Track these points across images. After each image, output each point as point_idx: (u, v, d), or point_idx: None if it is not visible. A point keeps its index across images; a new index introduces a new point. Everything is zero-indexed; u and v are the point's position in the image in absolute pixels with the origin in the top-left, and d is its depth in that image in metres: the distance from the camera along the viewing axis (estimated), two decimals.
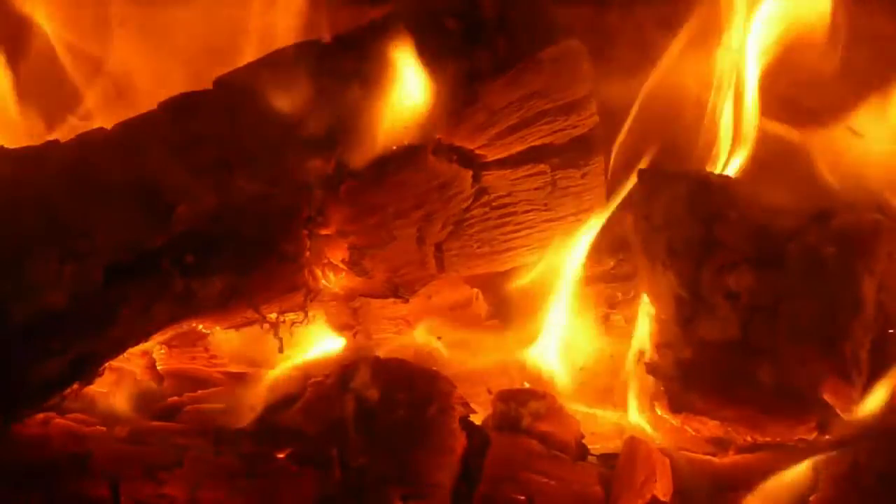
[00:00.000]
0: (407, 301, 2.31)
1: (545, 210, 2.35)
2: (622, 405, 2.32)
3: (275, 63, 2.30)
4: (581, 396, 2.34)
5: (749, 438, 2.19)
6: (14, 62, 2.56)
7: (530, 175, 2.33)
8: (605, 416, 2.33)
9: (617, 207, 2.36)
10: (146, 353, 2.33)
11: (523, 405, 2.22)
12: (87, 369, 2.07)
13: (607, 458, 2.25)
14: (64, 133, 2.46)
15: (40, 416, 2.14)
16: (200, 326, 2.24)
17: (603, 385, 2.35)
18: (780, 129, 2.47)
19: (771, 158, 2.45)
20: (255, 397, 2.26)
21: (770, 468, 2.15)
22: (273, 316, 2.24)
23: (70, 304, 2.01)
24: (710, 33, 2.51)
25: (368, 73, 2.24)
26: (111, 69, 2.59)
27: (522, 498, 2.08)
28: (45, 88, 2.57)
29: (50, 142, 2.18)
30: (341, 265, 2.26)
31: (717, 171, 2.42)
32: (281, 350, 2.26)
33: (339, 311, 2.33)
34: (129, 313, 2.06)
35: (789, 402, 2.15)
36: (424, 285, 2.32)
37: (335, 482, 2.09)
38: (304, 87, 2.21)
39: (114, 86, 2.59)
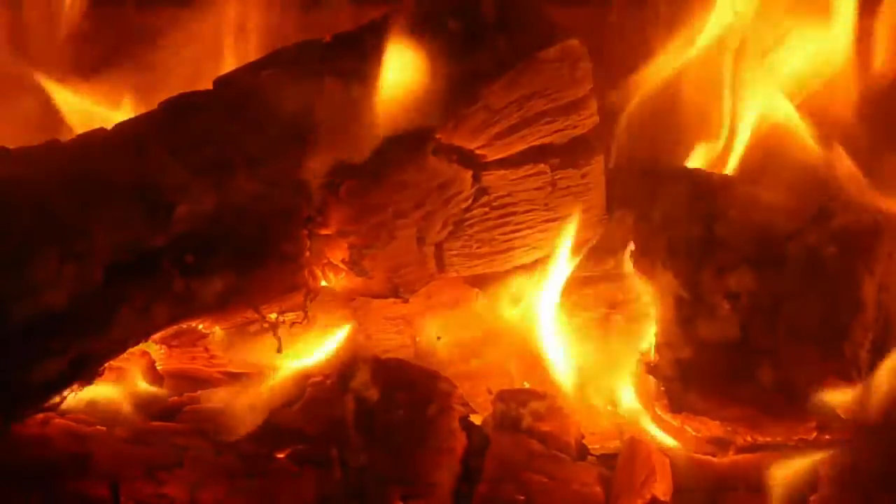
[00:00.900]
0: (407, 301, 2.31)
1: (545, 210, 2.35)
2: (622, 405, 2.32)
3: (275, 63, 2.30)
4: (581, 396, 2.34)
5: (749, 438, 2.19)
6: None
7: (530, 175, 2.33)
8: (605, 416, 2.33)
9: (617, 207, 2.36)
10: (146, 353, 2.33)
11: (523, 405, 2.22)
12: (87, 369, 2.07)
13: (607, 458, 2.25)
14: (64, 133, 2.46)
15: (40, 416, 2.14)
16: (200, 326, 2.24)
17: (603, 385, 2.35)
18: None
19: (771, 158, 2.45)
20: (256, 397, 2.26)
21: (770, 468, 2.14)
22: (273, 316, 2.24)
23: (70, 304, 2.01)
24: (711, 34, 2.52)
25: (368, 72, 2.24)
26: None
27: (522, 498, 2.08)
28: None
29: (50, 142, 2.18)
30: (341, 265, 2.26)
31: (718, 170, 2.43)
32: (280, 350, 2.26)
33: (338, 310, 2.33)
34: (129, 313, 2.06)
35: (789, 402, 2.15)
36: (424, 285, 2.32)
37: (335, 482, 2.09)
38: (305, 87, 2.21)
39: None
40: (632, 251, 2.31)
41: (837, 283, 2.16)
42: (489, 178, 2.31)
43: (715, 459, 2.21)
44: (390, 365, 2.24)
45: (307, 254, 2.22)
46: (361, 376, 2.19)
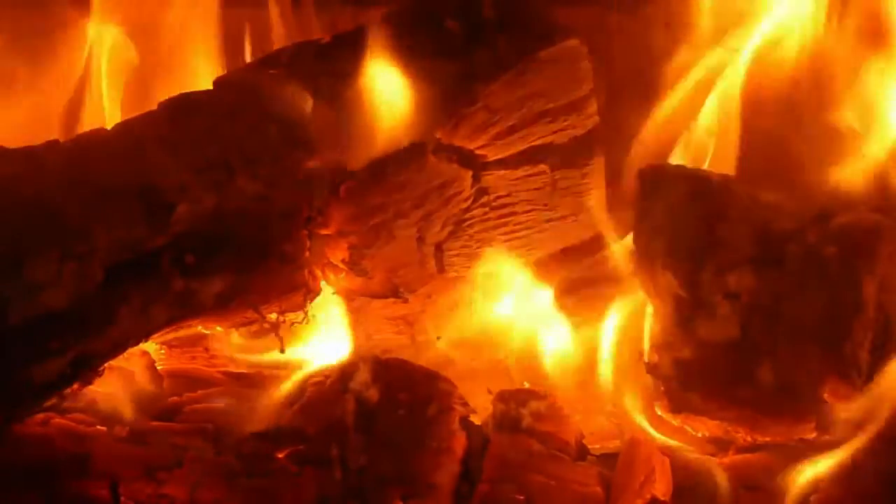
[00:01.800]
0: (407, 301, 2.31)
1: (545, 210, 2.35)
2: (622, 405, 2.31)
3: (274, 63, 2.30)
4: (581, 396, 2.34)
5: (749, 438, 2.19)
6: None
7: (530, 175, 2.34)
8: (605, 416, 2.33)
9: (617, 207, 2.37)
10: (146, 353, 2.34)
11: (523, 405, 2.22)
12: (87, 369, 2.07)
13: (607, 458, 2.25)
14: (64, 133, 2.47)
15: (40, 416, 2.14)
16: (200, 326, 2.24)
17: (602, 385, 2.35)
18: None
19: (771, 158, 2.45)
20: (256, 398, 2.26)
21: (770, 468, 2.14)
22: (273, 316, 2.24)
23: (70, 304, 2.01)
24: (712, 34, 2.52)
25: (368, 73, 2.24)
26: None
27: (522, 498, 2.08)
28: None
29: (50, 142, 2.18)
30: (341, 265, 2.26)
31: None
32: (282, 350, 2.26)
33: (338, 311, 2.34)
34: (129, 313, 2.06)
35: (789, 402, 2.14)
36: (424, 285, 2.32)
37: (335, 482, 2.09)
38: (304, 87, 2.21)
39: None
40: (632, 251, 2.31)
41: (837, 283, 2.16)
42: (489, 178, 2.32)
43: (715, 459, 2.21)
44: (390, 365, 2.23)
45: (307, 254, 2.22)
46: (361, 376, 2.19)
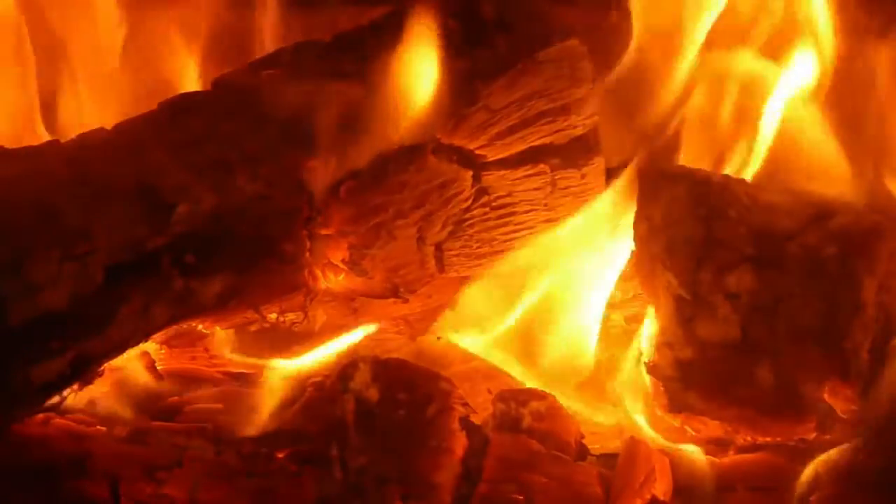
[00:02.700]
0: (407, 301, 2.31)
1: (545, 210, 2.35)
2: (622, 405, 2.32)
3: (275, 63, 2.30)
4: (581, 396, 2.34)
5: (749, 438, 2.19)
6: None
7: (530, 175, 2.34)
8: (605, 415, 2.33)
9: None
10: (146, 353, 2.33)
11: (523, 405, 2.22)
12: (87, 369, 2.07)
13: (607, 458, 2.25)
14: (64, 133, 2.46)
15: (40, 416, 2.13)
16: (200, 326, 2.24)
17: (603, 385, 2.35)
18: None
19: (771, 158, 2.45)
20: (256, 397, 2.26)
21: (770, 468, 2.15)
22: (273, 316, 2.24)
23: (70, 304, 2.01)
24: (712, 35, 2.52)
25: (368, 72, 2.24)
26: None
27: (522, 498, 2.08)
28: None
29: (50, 142, 2.18)
30: (341, 265, 2.26)
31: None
32: (282, 350, 2.26)
33: (339, 310, 2.33)
34: (129, 313, 2.06)
35: (789, 402, 2.15)
36: (424, 285, 2.32)
37: (335, 482, 2.09)
38: (304, 87, 2.21)
39: None
40: (632, 251, 2.31)
41: (837, 283, 2.16)
42: (489, 178, 2.32)
43: (715, 459, 2.21)
44: (390, 365, 2.23)
45: (307, 254, 2.22)
46: (361, 376, 2.19)
